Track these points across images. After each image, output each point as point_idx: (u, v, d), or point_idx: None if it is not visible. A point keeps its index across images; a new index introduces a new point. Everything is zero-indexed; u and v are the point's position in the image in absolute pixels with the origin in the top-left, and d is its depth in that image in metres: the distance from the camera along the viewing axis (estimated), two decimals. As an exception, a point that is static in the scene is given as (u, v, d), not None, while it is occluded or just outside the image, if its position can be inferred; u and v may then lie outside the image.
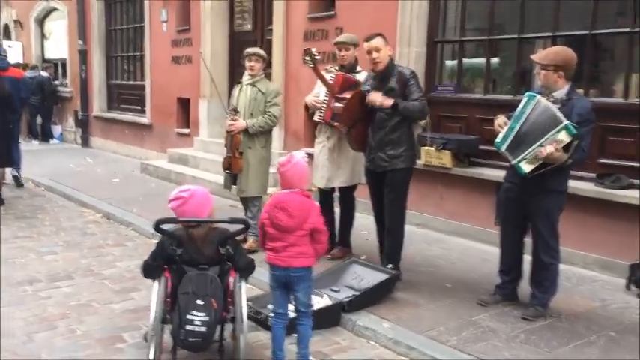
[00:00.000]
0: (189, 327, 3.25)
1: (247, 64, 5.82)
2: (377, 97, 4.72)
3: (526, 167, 4.05)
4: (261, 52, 5.89)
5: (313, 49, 5.16)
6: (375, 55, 4.77)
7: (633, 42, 5.29)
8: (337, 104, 5.03)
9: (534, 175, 4.07)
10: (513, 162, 4.12)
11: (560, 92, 4.08)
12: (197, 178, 8.47)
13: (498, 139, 4.20)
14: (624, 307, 4.50)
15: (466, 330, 4.05)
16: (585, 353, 3.73)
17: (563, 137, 3.89)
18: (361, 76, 5.28)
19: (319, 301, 4.39)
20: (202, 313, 3.27)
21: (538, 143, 3.96)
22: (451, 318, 4.25)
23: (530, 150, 4.01)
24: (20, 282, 5.07)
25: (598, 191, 5.22)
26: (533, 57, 4.29)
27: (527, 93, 4.20)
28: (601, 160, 5.41)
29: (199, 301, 3.30)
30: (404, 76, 4.77)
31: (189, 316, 3.26)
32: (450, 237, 6.37)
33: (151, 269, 3.61)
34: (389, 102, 4.68)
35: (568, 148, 3.93)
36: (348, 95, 4.97)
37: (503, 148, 4.17)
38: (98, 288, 5.00)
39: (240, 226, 3.58)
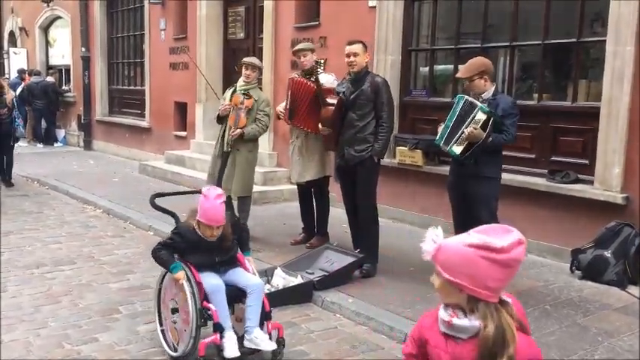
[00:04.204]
0: None
1: (244, 72, 6.25)
2: None
3: (457, 149, 4.68)
4: (257, 62, 6.35)
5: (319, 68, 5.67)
6: (352, 58, 5.27)
7: (580, 51, 5.88)
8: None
9: (470, 163, 4.66)
10: (447, 149, 4.73)
11: (487, 93, 4.72)
12: (193, 178, 9.03)
13: (437, 138, 4.84)
14: (564, 286, 5.05)
15: (420, 304, 4.60)
16: (520, 322, 4.27)
17: (480, 116, 4.53)
18: (322, 77, 5.77)
19: (293, 281, 4.97)
20: None
21: (463, 127, 4.60)
22: (408, 295, 4.81)
23: (458, 134, 4.64)
24: (27, 265, 5.65)
25: (549, 185, 5.78)
26: (458, 76, 4.90)
27: (458, 95, 4.83)
28: (553, 158, 5.97)
29: None
30: (376, 83, 5.28)
31: None
32: (422, 230, 6.82)
33: None
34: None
35: (487, 128, 4.51)
36: (332, 101, 5.48)
37: (441, 143, 4.78)
38: (98, 271, 5.57)
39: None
